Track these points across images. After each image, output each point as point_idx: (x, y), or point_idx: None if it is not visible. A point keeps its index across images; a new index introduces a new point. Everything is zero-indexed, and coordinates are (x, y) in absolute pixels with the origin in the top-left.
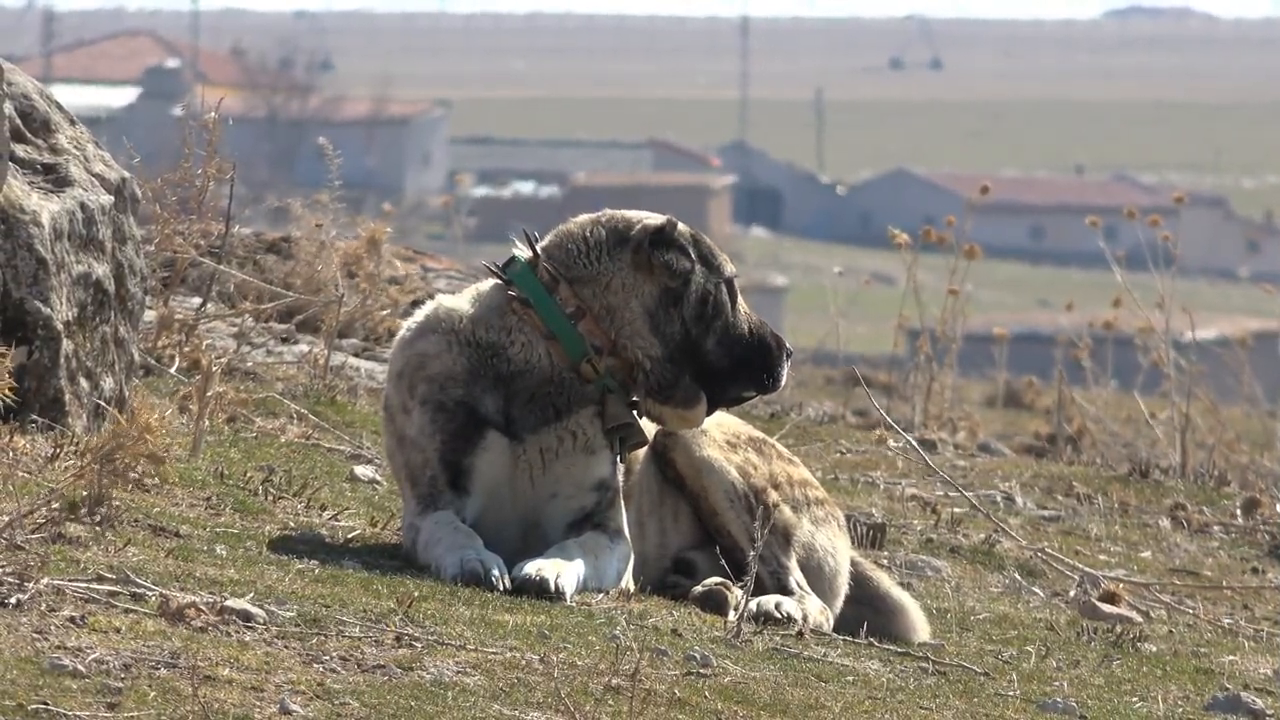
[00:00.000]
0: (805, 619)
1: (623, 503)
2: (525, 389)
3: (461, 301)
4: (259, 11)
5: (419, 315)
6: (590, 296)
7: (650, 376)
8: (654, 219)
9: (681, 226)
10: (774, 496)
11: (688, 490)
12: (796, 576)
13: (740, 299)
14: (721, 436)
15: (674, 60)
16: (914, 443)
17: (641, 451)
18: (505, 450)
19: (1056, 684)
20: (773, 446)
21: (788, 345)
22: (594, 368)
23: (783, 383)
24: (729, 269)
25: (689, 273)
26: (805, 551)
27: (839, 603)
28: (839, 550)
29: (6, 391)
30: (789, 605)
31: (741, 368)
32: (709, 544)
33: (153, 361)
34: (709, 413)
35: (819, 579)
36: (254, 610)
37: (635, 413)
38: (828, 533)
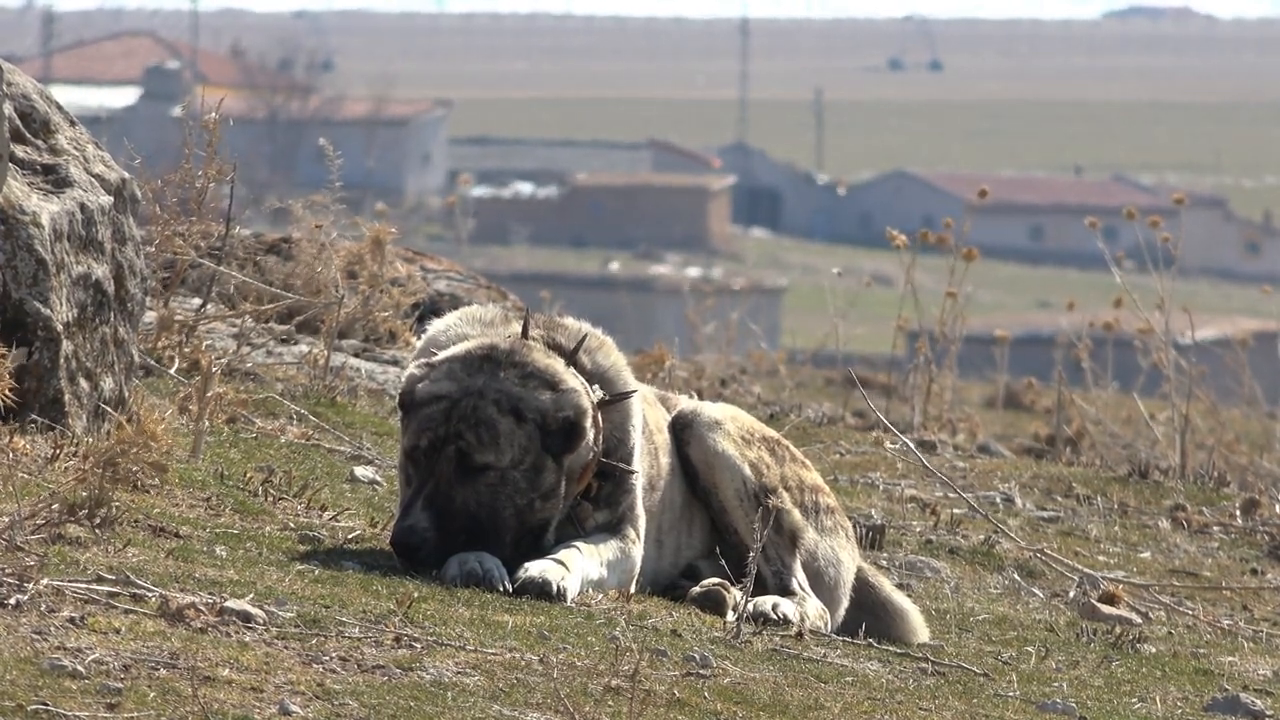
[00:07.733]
0: (803, 620)
1: (642, 511)
2: None
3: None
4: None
5: (419, 347)
6: None
7: None
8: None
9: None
10: (785, 498)
11: (700, 485)
12: (800, 578)
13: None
14: (737, 431)
15: (674, 60)
16: (912, 445)
17: (665, 465)
18: None
19: (1056, 685)
20: (786, 448)
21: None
22: None
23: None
24: (405, 444)
25: None
26: (808, 557)
27: (839, 614)
28: (842, 562)
29: (6, 393)
30: (786, 607)
31: None
32: (715, 551)
33: (153, 362)
34: None
35: (818, 588)
36: (254, 611)
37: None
38: (832, 543)
